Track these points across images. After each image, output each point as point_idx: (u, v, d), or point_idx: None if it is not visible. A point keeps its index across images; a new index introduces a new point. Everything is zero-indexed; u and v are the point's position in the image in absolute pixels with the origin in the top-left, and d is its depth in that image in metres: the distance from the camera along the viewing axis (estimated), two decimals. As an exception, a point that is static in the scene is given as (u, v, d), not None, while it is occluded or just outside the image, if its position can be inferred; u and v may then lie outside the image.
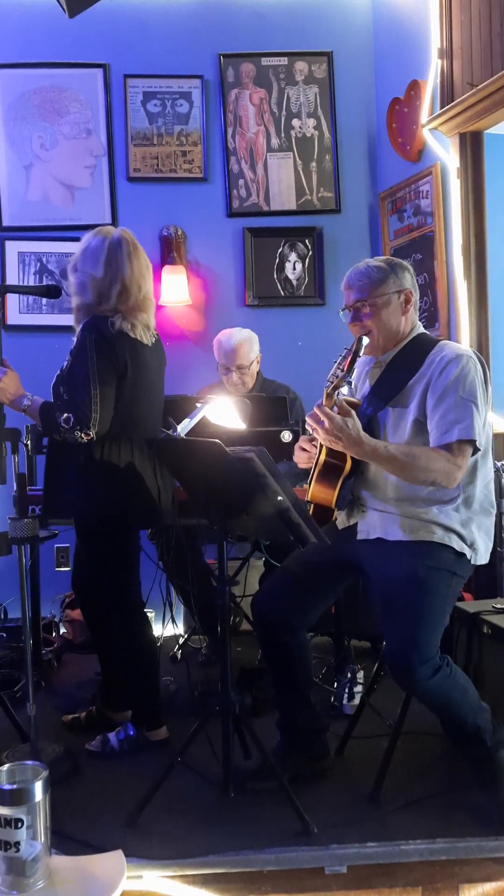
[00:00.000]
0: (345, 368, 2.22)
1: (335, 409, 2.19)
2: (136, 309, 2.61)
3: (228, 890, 2.01)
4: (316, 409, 2.19)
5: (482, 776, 2.25)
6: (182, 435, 2.49)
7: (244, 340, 3.68)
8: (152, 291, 2.69)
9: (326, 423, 2.16)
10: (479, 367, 2.26)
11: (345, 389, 2.22)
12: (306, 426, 2.27)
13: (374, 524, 2.33)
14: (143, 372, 2.64)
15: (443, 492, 2.26)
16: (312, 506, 2.36)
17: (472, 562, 2.31)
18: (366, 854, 2.07)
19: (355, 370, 2.29)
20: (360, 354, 2.26)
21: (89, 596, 2.84)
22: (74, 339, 2.60)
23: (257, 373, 3.79)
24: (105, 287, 2.57)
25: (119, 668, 2.80)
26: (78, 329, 2.60)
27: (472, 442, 2.19)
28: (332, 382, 2.22)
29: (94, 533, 2.67)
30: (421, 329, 2.43)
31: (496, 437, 3.75)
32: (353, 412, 2.21)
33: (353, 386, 2.53)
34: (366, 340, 2.29)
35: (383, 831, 2.16)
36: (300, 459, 2.42)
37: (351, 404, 2.30)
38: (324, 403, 2.21)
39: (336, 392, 2.21)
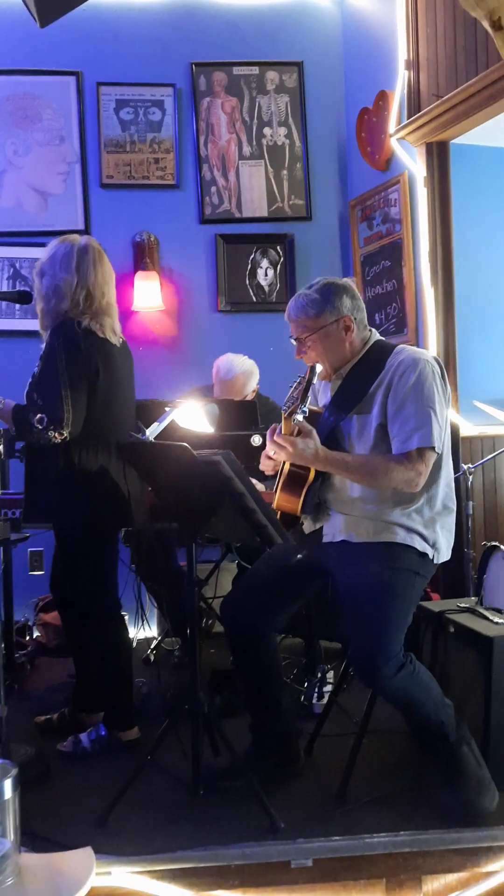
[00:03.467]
0: (298, 397, 2.27)
1: (295, 428, 2.25)
2: (100, 313, 2.66)
3: (196, 884, 2.05)
4: (277, 440, 2.25)
5: (445, 771, 2.30)
6: (151, 439, 2.53)
7: (241, 375, 3.65)
8: (115, 299, 2.74)
9: (289, 449, 2.23)
10: (436, 369, 2.32)
11: (300, 416, 2.26)
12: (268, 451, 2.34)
13: (339, 526, 2.38)
14: (115, 372, 2.68)
15: (406, 493, 2.31)
16: (279, 514, 2.41)
17: (435, 561, 2.37)
18: (331, 848, 2.12)
19: (310, 393, 2.34)
20: (314, 382, 2.31)
21: (67, 598, 2.86)
22: (44, 343, 2.64)
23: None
24: (76, 291, 2.62)
25: (93, 669, 2.83)
26: (46, 333, 2.64)
27: (433, 448, 2.26)
28: (289, 408, 2.28)
29: (72, 536, 2.69)
30: (376, 336, 2.47)
31: (464, 440, 3.83)
32: (313, 430, 2.27)
33: (316, 390, 2.58)
34: (319, 368, 2.36)
35: (349, 826, 2.20)
36: (266, 467, 2.45)
37: (313, 413, 2.35)
38: (283, 426, 2.28)
39: (292, 417, 2.27)
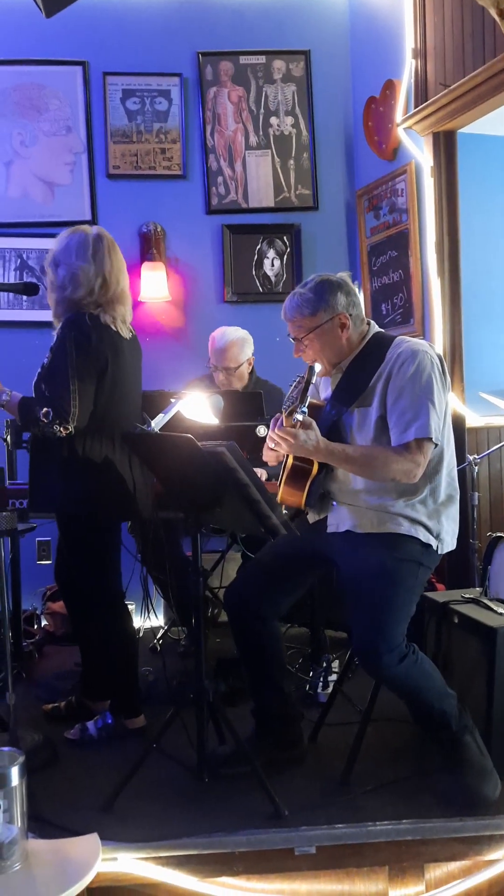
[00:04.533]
0: (298, 396, 2.29)
1: (297, 423, 2.25)
2: (114, 301, 2.67)
3: (201, 871, 2.07)
4: (278, 432, 2.25)
5: (448, 759, 2.32)
6: (156, 430, 2.54)
7: (235, 342, 3.64)
8: (128, 287, 2.76)
9: (291, 440, 2.24)
10: (435, 361, 2.33)
11: (299, 416, 2.27)
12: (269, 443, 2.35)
13: (343, 517, 2.39)
14: (123, 366, 2.69)
15: (409, 483, 2.32)
16: (283, 507, 2.42)
17: (439, 552, 2.38)
18: (334, 835, 2.14)
19: (310, 390, 2.35)
20: (313, 382, 2.32)
21: (71, 588, 2.89)
22: (55, 335, 2.65)
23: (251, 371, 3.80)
24: (92, 279, 2.63)
25: (99, 657, 2.86)
26: (58, 325, 2.66)
27: (430, 439, 2.26)
28: (289, 407, 2.30)
29: (76, 527, 2.72)
30: (375, 329, 2.47)
31: (470, 431, 3.83)
32: (314, 423, 2.28)
33: (317, 385, 2.59)
34: (318, 367, 2.38)
35: (352, 813, 2.22)
36: (269, 458, 2.47)
37: (314, 406, 2.36)
38: (284, 420, 2.30)
39: (292, 416, 2.28)
